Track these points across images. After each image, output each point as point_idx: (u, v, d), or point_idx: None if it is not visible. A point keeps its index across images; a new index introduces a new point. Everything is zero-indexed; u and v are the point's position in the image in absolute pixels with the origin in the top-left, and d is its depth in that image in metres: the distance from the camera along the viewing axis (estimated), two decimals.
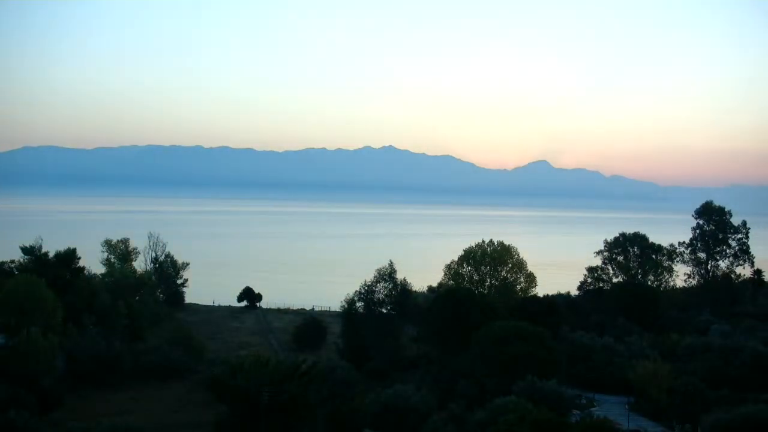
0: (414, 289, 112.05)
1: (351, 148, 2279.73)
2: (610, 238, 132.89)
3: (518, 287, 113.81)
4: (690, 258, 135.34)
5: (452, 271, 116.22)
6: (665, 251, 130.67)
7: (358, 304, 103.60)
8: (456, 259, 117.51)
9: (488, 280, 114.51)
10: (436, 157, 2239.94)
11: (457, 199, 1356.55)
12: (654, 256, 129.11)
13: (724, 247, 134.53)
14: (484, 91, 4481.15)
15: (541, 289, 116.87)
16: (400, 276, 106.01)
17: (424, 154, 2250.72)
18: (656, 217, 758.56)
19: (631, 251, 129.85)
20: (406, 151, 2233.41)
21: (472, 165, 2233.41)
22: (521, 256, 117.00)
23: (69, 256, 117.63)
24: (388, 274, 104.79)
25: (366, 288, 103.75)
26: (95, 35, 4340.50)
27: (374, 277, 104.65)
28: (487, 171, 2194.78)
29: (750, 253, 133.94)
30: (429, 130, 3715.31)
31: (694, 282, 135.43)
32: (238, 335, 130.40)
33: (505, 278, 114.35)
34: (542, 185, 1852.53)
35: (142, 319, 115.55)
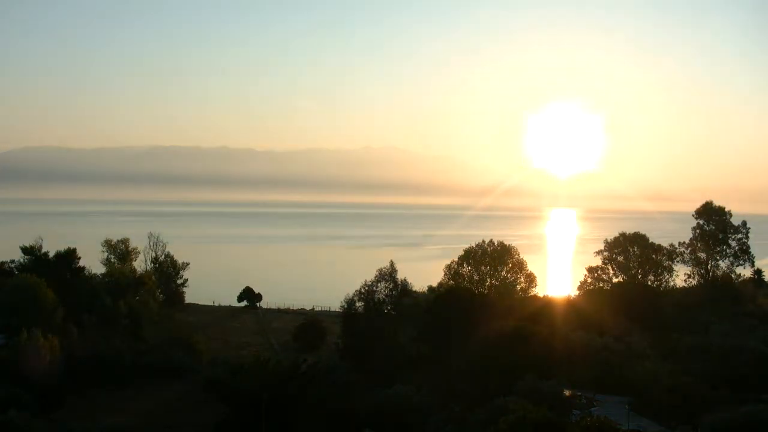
0: (414, 289, 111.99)
1: (351, 148, 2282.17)
2: (610, 237, 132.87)
3: (518, 287, 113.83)
4: (690, 258, 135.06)
5: (452, 271, 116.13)
6: (665, 251, 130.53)
7: (358, 304, 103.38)
8: (456, 259, 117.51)
9: (488, 280, 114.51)
10: (435, 156, 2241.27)
11: (457, 198, 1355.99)
12: (654, 256, 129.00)
13: (724, 247, 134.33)
14: (483, 90, 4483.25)
15: (541, 289, 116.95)
16: (400, 276, 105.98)
17: (424, 154, 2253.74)
18: (656, 216, 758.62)
19: (631, 251, 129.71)
20: (406, 151, 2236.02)
21: (471, 165, 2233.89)
22: (521, 256, 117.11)
23: (69, 256, 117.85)
24: (388, 274, 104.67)
25: (366, 288, 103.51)
26: (95, 35, 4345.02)
27: (374, 277, 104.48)
28: (486, 171, 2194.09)
29: (750, 253, 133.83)
30: (429, 130, 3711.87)
31: (694, 282, 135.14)
32: (238, 335, 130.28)
33: (505, 278, 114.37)
34: (542, 185, 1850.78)
35: (142, 319, 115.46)
